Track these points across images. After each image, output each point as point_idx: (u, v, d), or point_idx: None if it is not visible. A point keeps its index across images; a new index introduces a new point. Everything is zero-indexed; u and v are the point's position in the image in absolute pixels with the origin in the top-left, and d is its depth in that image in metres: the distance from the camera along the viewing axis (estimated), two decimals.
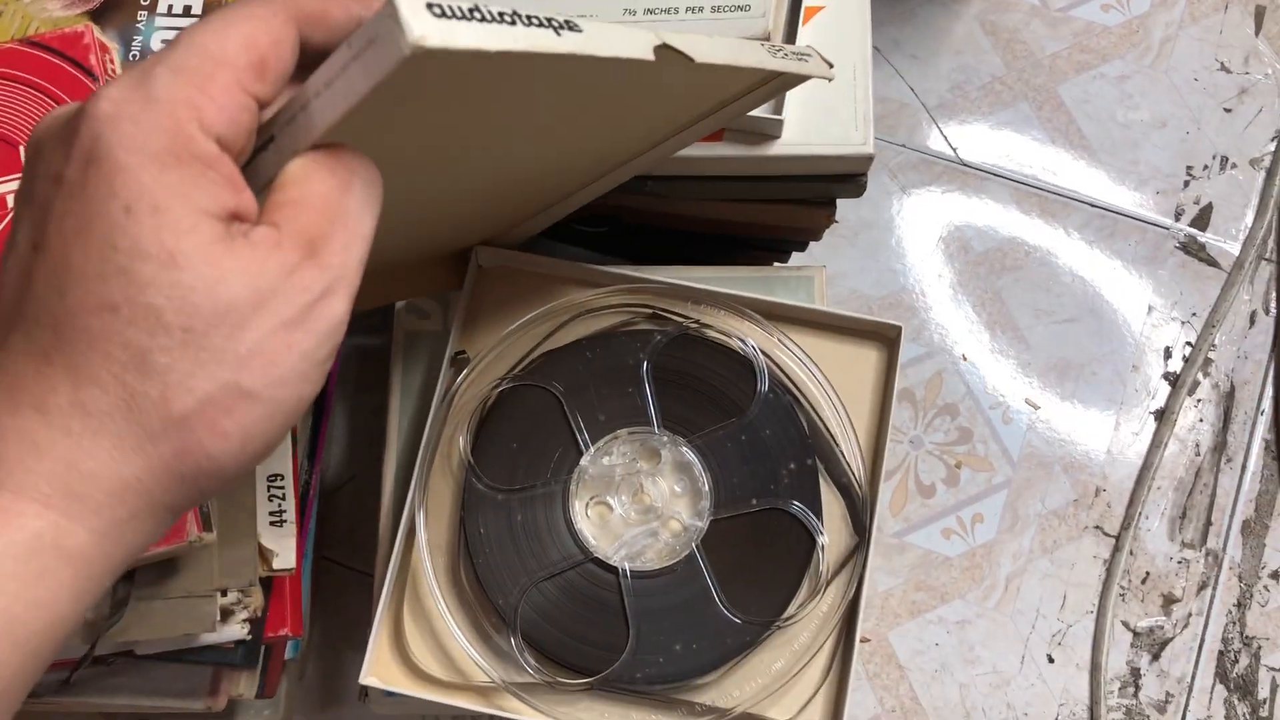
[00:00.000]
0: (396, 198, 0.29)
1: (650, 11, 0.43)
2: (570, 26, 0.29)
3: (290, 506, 0.44)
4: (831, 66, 0.41)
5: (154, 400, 0.25)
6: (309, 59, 0.27)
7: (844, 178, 0.47)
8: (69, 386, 0.25)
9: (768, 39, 0.42)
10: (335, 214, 0.27)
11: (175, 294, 0.24)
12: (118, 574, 0.26)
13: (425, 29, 0.25)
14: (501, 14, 0.27)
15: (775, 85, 0.41)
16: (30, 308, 0.25)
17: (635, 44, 0.31)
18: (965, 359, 0.61)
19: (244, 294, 0.25)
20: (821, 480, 0.47)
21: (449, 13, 0.25)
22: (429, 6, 0.25)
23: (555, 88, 0.33)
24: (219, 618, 0.41)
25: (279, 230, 0.26)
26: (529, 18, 0.28)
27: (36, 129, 0.27)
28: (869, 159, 0.46)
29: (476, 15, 0.26)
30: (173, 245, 0.24)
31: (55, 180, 0.25)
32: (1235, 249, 0.63)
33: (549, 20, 0.28)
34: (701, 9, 0.43)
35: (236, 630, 0.42)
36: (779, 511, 0.46)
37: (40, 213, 0.25)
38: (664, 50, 0.32)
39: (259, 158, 0.27)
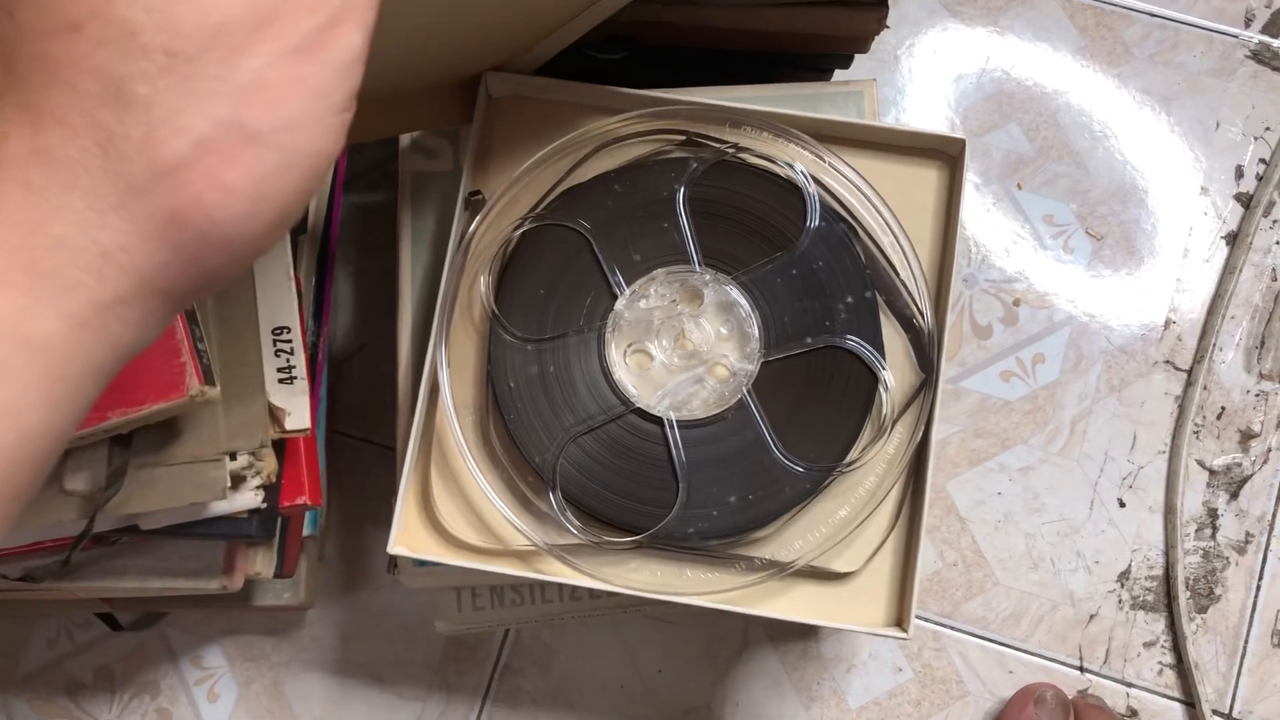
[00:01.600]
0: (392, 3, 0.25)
1: None
2: None
3: (300, 362, 0.39)
4: None
5: (136, 143, 0.19)
6: None
7: None
8: (26, 130, 0.19)
9: None
10: None
11: (155, 5, 0.19)
12: (102, 381, 0.21)
13: None
14: None
15: None
16: None
17: None
18: (1020, 188, 0.56)
19: (238, 10, 0.20)
20: (882, 314, 0.43)
21: None
22: None
23: None
24: (229, 484, 0.37)
25: None
26: None
27: None
28: None
29: None
30: None
31: None
32: None
33: None
34: None
35: (250, 498, 0.38)
36: (836, 349, 0.42)
37: None
38: None
39: None
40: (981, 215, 0.55)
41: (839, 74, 0.51)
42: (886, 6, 0.44)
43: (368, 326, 0.55)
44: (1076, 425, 0.53)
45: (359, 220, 0.55)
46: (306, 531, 0.47)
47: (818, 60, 0.49)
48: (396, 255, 0.45)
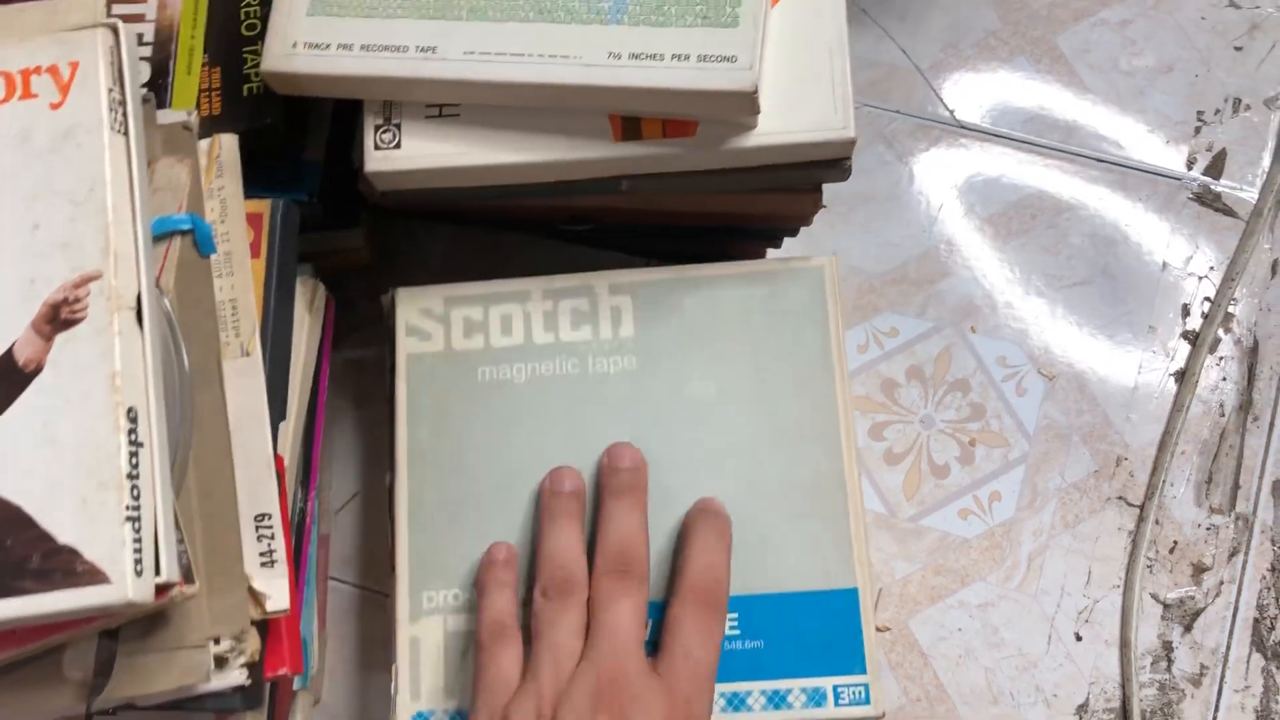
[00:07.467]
0: None
1: (635, 56, 0.42)
2: None
3: (280, 545, 0.43)
4: None
5: None
6: None
7: (827, 163, 0.45)
8: None
9: (755, 91, 0.41)
10: None
11: None
12: None
13: None
14: None
15: None
16: None
17: None
18: (974, 331, 0.59)
19: None
20: None
21: None
22: None
23: None
24: (214, 666, 0.40)
25: None
26: None
27: None
28: (851, 143, 0.44)
29: None
30: None
31: None
32: (1253, 196, 0.60)
33: None
34: (687, 57, 0.41)
35: (235, 677, 0.41)
36: None
37: None
38: None
39: None
40: (936, 358, 0.58)
41: (803, 249, 0.54)
42: (821, 191, 0.47)
43: (361, 476, 0.58)
44: (1033, 561, 0.55)
45: (352, 374, 0.59)
46: (296, 686, 0.50)
47: (765, 231, 0.53)
48: (393, 431, 0.48)
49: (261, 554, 0.43)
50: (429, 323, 0.50)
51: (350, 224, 0.54)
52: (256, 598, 0.42)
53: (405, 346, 0.50)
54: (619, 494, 0.44)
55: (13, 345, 0.36)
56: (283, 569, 0.42)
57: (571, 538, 0.44)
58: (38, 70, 0.39)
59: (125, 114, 0.39)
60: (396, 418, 0.49)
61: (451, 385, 0.49)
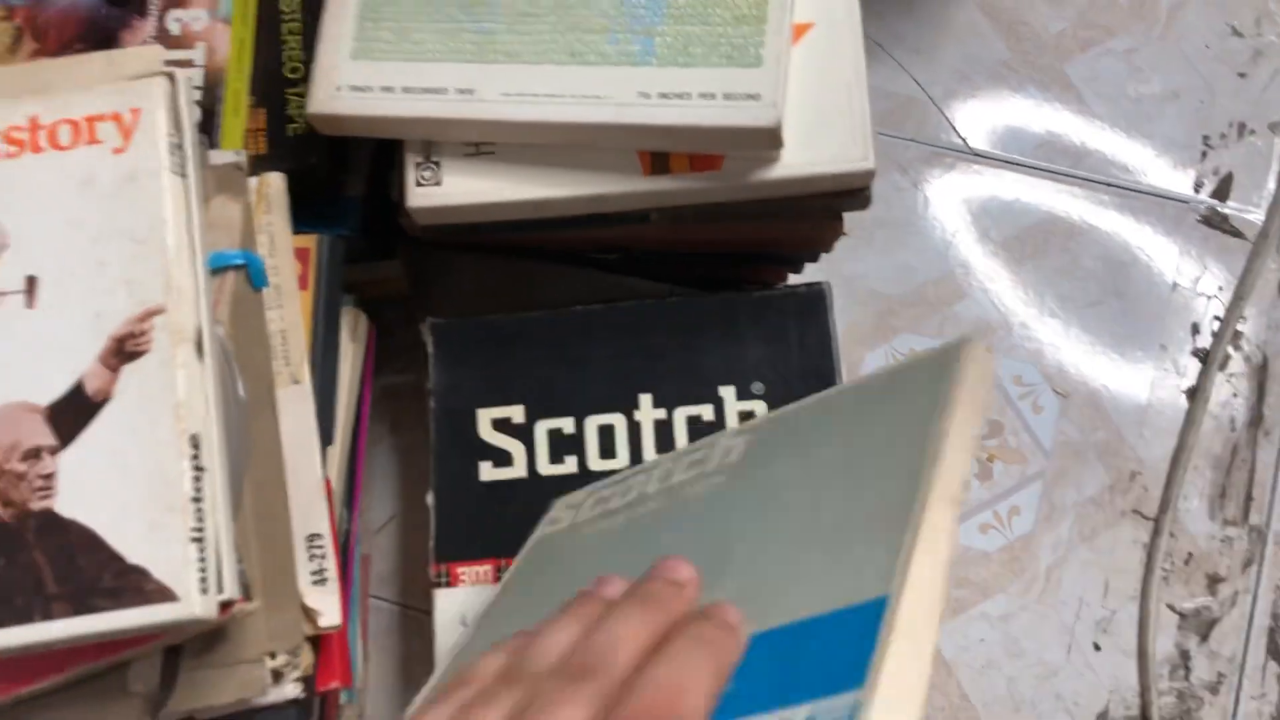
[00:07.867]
0: None
1: (664, 96, 0.44)
2: None
3: (331, 564, 0.45)
4: None
5: None
6: None
7: (848, 193, 0.47)
8: None
9: (779, 127, 0.43)
10: None
11: None
12: None
13: None
14: None
15: None
16: None
17: None
18: (990, 351, 0.60)
19: None
20: None
21: None
22: None
23: None
24: (271, 681, 0.42)
25: None
26: None
27: None
28: (871, 174, 0.46)
29: None
30: None
31: None
32: (1259, 217, 0.62)
33: None
34: (714, 95, 0.44)
35: (291, 690, 0.43)
36: None
37: None
38: None
39: None
40: None
41: (823, 273, 0.55)
42: (841, 219, 0.49)
43: (399, 498, 0.60)
44: (1052, 574, 0.57)
45: (388, 400, 0.61)
46: (343, 701, 0.52)
47: (787, 256, 0.55)
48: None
49: (313, 572, 0.45)
50: (567, 511, 0.47)
51: (388, 255, 0.56)
52: (309, 614, 0.44)
53: (538, 534, 0.47)
54: (636, 599, 0.33)
55: (82, 376, 0.38)
56: (333, 586, 0.44)
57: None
58: (102, 117, 0.41)
59: (183, 158, 0.41)
60: (503, 583, 0.45)
61: (559, 554, 0.44)
